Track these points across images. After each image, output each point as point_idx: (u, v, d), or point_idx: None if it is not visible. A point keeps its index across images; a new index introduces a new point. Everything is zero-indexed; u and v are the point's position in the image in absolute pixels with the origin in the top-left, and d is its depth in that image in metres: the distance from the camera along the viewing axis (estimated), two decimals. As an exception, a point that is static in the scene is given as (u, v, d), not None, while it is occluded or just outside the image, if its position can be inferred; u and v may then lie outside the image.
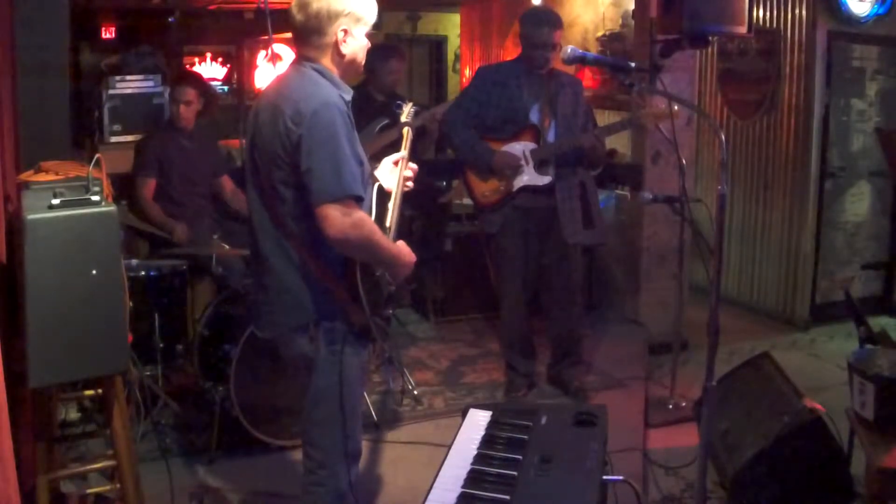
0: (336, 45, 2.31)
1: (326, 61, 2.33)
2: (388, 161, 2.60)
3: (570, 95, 4.04)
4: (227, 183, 4.62)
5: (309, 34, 2.30)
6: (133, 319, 2.55)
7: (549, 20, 3.89)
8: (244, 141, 5.90)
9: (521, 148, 3.98)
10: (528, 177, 3.99)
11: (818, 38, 5.19)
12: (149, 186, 4.33)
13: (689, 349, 4.83)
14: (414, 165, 2.62)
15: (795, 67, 5.35)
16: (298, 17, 2.29)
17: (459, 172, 4.27)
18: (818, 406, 2.99)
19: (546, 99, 4.00)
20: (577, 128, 4.05)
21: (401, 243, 2.41)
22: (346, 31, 2.30)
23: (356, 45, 2.35)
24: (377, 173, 2.53)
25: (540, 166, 3.99)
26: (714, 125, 2.36)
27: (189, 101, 4.36)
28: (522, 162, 3.98)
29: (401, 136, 2.66)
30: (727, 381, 3.45)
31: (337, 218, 2.17)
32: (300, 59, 2.35)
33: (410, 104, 2.80)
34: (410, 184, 2.58)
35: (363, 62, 2.42)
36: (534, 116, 4.00)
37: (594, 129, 4.12)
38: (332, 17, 2.27)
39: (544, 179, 4.00)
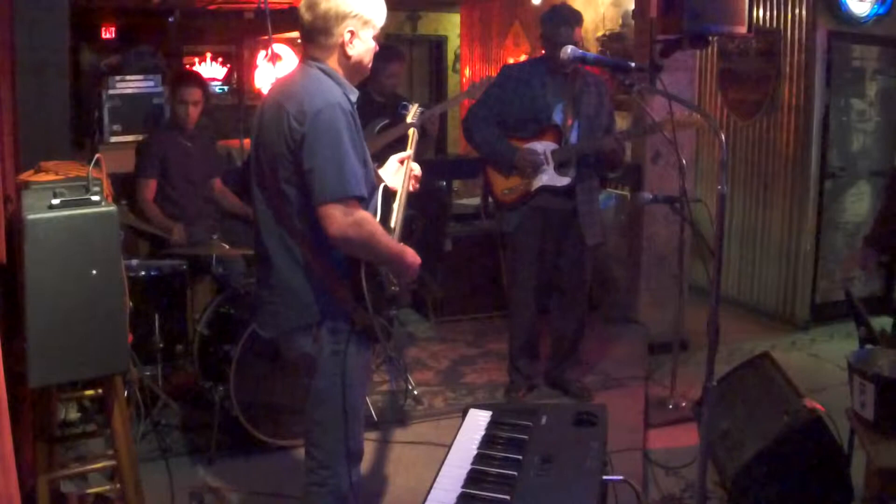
0: (342, 46, 2.30)
1: (332, 62, 2.33)
2: (393, 160, 2.60)
3: (594, 96, 3.98)
4: (216, 183, 4.62)
5: (316, 34, 2.30)
6: (133, 319, 2.55)
7: (569, 18, 3.86)
8: (245, 141, 5.90)
9: (542, 148, 3.94)
10: (548, 177, 3.95)
11: (818, 38, 5.19)
12: (150, 188, 4.33)
13: (689, 349, 4.83)
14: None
15: (795, 67, 5.35)
16: (306, 16, 2.29)
17: (481, 170, 4.24)
18: (818, 406, 2.99)
19: (570, 99, 3.95)
20: (600, 129, 3.99)
21: (404, 246, 2.40)
22: (352, 33, 2.30)
23: (362, 48, 2.34)
24: (382, 173, 2.53)
25: (560, 167, 3.95)
26: (714, 125, 2.37)
27: (197, 101, 4.36)
28: (543, 161, 3.94)
29: (402, 136, 2.66)
30: (727, 381, 3.45)
31: (338, 217, 2.17)
32: (306, 59, 2.35)
33: (416, 105, 2.81)
34: (416, 184, 2.58)
35: (370, 65, 2.41)
36: (557, 117, 3.95)
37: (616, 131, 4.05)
38: (340, 18, 2.27)
39: (564, 181, 3.95)
